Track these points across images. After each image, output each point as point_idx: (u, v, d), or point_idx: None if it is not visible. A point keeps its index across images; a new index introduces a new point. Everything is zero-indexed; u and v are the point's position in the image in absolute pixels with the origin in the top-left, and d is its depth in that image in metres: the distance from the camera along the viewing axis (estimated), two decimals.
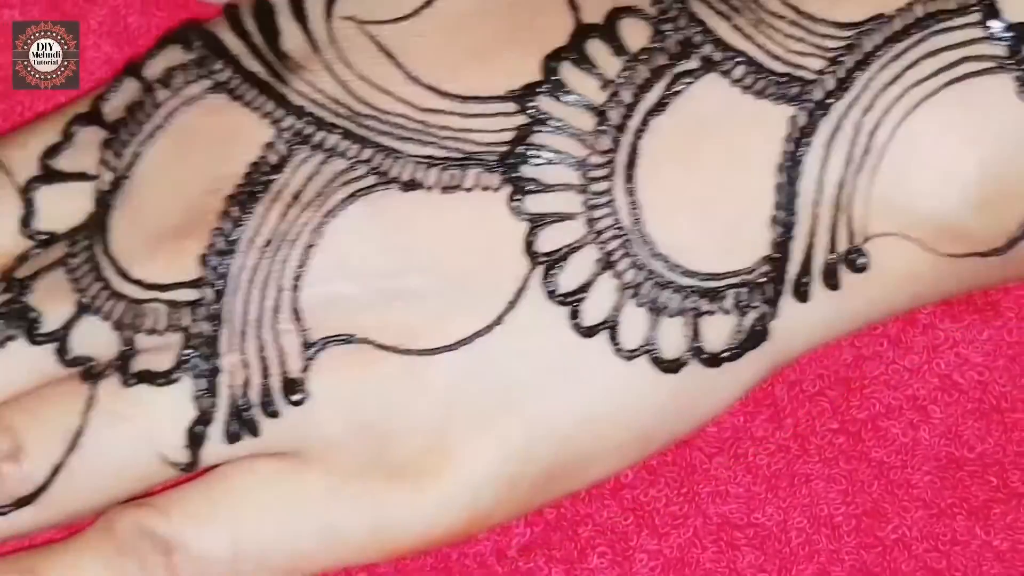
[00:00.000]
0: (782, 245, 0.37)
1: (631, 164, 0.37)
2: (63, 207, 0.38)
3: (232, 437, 0.37)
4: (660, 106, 0.37)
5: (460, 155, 0.37)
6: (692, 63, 0.37)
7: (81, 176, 0.38)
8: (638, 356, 0.37)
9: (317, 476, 0.37)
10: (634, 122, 0.37)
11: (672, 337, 0.37)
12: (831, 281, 0.37)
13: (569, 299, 0.37)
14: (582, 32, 0.37)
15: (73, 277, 0.37)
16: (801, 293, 0.37)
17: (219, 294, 0.36)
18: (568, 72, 0.37)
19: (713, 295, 0.37)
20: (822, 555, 0.40)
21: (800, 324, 0.37)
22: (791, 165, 0.36)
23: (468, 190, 0.37)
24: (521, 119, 0.37)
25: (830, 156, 0.36)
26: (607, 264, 0.37)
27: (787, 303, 0.37)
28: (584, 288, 0.37)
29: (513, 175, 0.37)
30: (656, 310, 0.37)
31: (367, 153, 0.37)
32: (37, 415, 0.37)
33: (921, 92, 0.36)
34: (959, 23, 0.36)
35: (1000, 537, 0.40)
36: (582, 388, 0.37)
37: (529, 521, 0.40)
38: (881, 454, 0.40)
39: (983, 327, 0.41)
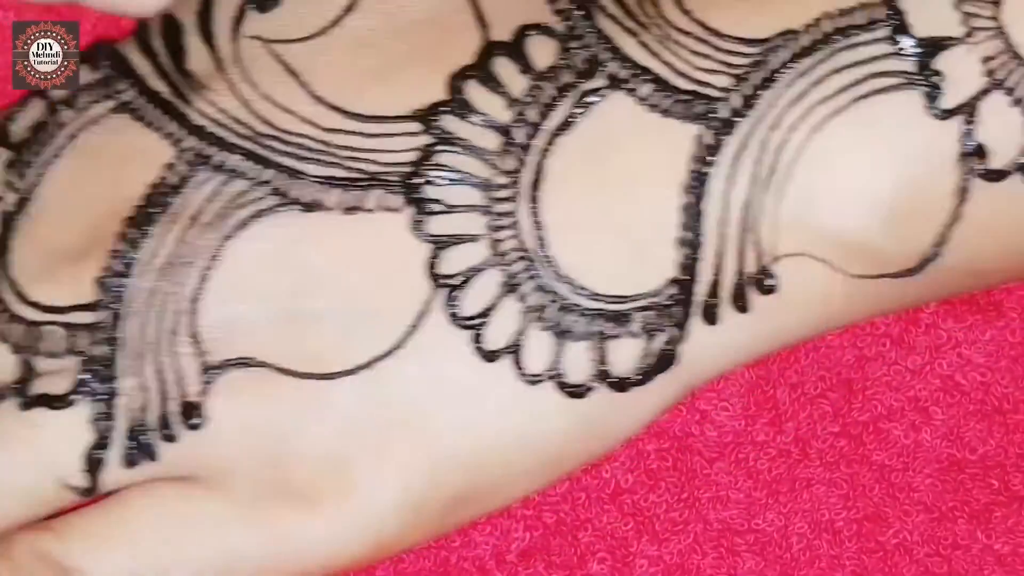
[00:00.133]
0: (689, 267, 0.36)
1: (536, 185, 0.36)
2: None
3: (130, 461, 0.36)
4: (566, 125, 0.36)
5: (362, 176, 0.36)
6: (598, 81, 0.36)
7: None
8: (543, 381, 0.36)
9: (216, 501, 0.36)
10: (540, 141, 0.36)
11: (578, 361, 0.36)
12: (740, 303, 0.36)
13: (472, 323, 0.36)
14: (489, 50, 0.36)
15: None
16: (710, 315, 0.36)
17: (117, 317, 0.36)
18: (474, 91, 0.36)
19: (620, 318, 0.36)
20: (823, 560, 0.40)
21: (710, 347, 0.36)
22: (697, 185, 0.35)
23: (370, 211, 0.36)
24: (426, 139, 0.36)
25: (736, 175, 0.35)
26: (511, 287, 0.36)
27: (696, 326, 0.36)
28: (487, 312, 0.36)
29: (416, 196, 0.36)
30: (561, 334, 0.36)
31: (268, 174, 0.36)
32: None
33: (828, 109, 0.35)
34: (867, 39, 0.35)
35: (1001, 541, 0.40)
36: (486, 413, 0.36)
37: (528, 526, 0.40)
38: (882, 457, 0.40)
39: (986, 327, 0.40)
